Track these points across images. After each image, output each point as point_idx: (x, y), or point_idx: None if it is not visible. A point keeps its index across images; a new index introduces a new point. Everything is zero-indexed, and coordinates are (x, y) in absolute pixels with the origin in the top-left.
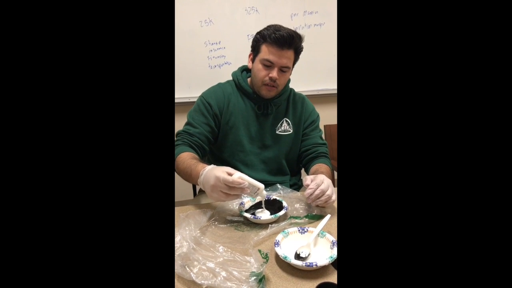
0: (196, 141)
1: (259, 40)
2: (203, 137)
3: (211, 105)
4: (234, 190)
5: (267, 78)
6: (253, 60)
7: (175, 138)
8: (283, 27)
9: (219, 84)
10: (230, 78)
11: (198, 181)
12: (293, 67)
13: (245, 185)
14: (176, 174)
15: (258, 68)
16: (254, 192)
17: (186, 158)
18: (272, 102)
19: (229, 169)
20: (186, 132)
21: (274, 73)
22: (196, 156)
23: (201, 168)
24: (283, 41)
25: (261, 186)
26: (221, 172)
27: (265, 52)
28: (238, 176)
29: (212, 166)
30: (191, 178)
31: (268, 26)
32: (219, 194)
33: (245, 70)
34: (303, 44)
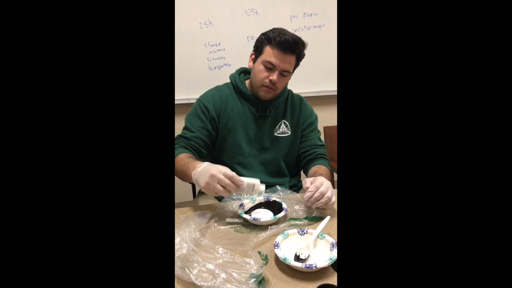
0: (193, 144)
1: (263, 41)
2: (200, 141)
3: (208, 109)
4: (230, 186)
5: (267, 80)
6: (254, 60)
7: None
8: (288, 31)
9: (217, 87)
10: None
11: (193, 172)
12: (292, 72)
13: (243, 183)
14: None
15: (259, 69)
16: (251, 189)
17: (183, 157)
18: (270, 104)
19: (226, 169)
20: (183, 137)
21: (274, 76)
22: (193, 156)
23: (197, 164)
24: (287, 45)
25: (256, 181)
26: (221, 167)
27: (268, 54)
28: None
29: (208, 163)
30: (186, 174)
31: (274, 29)
32: (214, 186)
33: (242, 72)
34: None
